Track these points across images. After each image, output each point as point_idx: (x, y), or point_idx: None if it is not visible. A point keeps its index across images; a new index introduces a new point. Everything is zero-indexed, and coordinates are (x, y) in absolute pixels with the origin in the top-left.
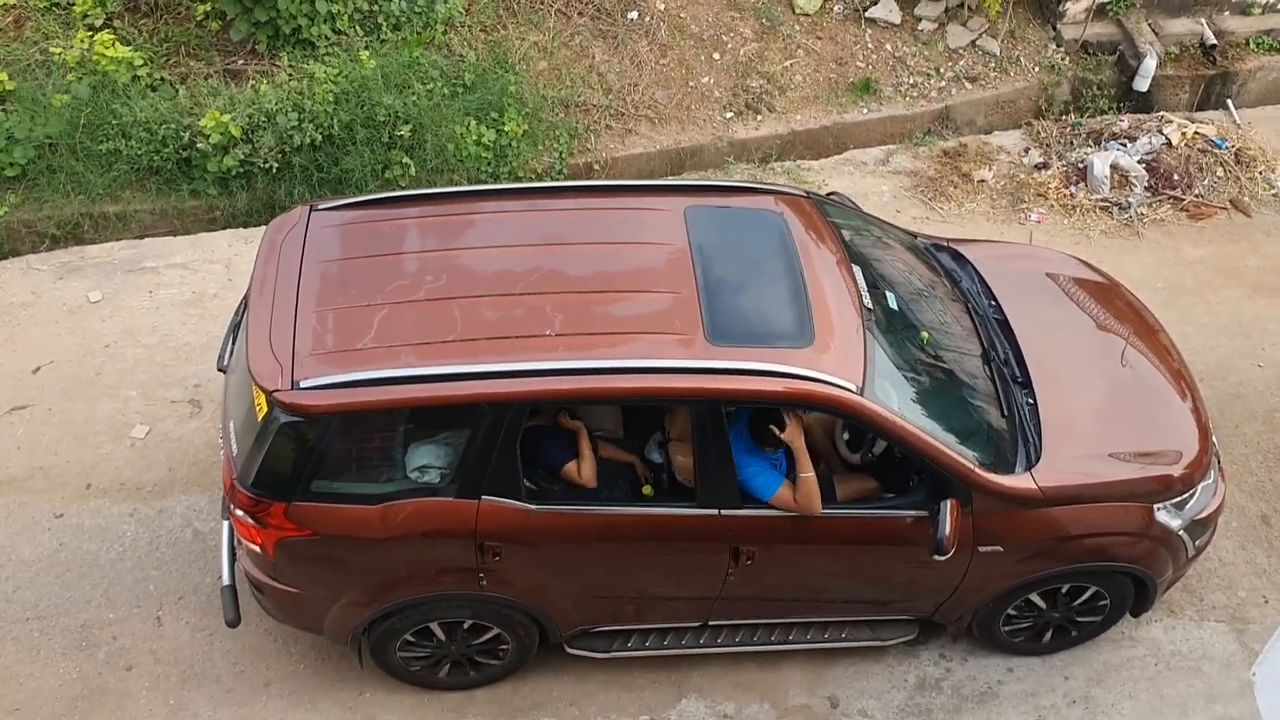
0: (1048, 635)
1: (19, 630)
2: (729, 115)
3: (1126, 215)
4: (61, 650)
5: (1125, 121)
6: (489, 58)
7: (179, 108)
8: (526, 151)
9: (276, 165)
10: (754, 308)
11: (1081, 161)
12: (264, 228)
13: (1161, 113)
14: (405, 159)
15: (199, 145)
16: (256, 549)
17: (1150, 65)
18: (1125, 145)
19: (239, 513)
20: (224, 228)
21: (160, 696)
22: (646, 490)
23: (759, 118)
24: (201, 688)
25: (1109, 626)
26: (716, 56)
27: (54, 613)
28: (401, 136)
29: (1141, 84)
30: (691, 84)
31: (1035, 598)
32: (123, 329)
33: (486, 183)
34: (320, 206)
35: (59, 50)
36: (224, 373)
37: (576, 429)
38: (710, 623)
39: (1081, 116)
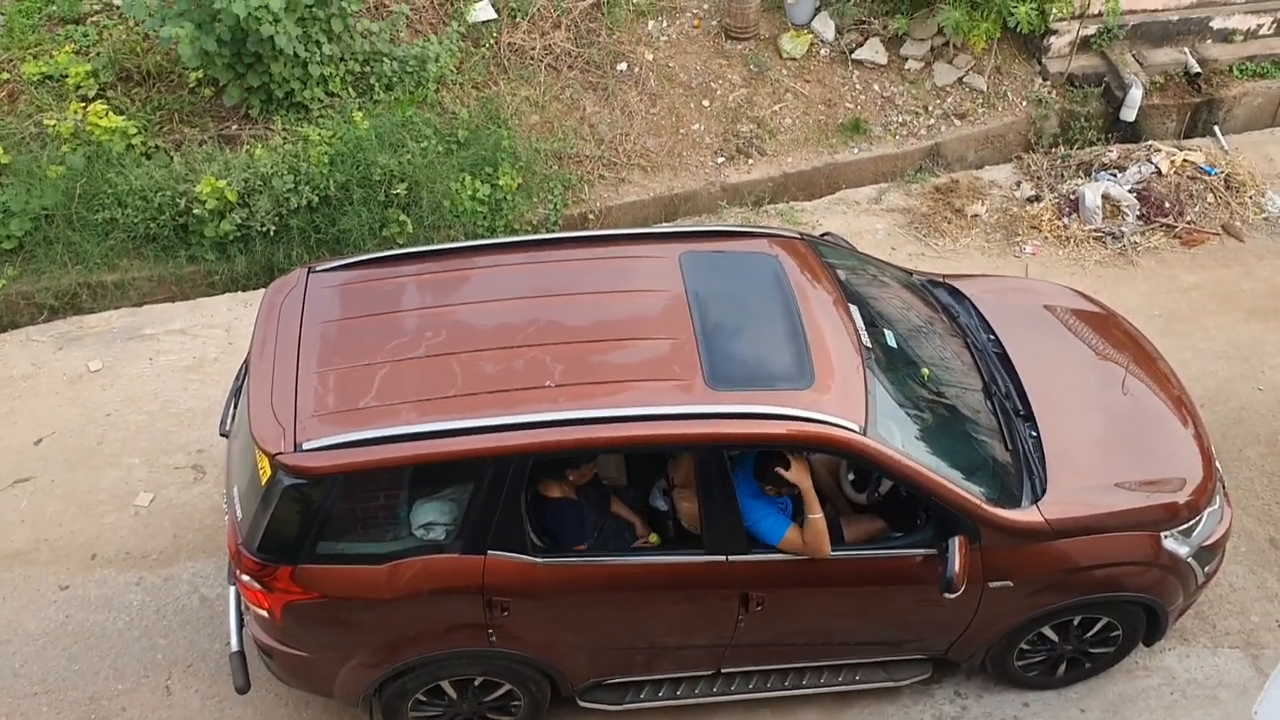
0: (1062, 668)
1: (27, 705)
2: (720, 160)
3: (1120, 244)
4: None
5: (1114, 152)
6: (481, 114)
7: (174, 174)
8: (521, 204)
9: (274, 228)
10: (753, 351)
11: (1073, 193)
12: (263, 290)
13: (1150, 142)
14: (402, 217)
15: (195, 211)
16: (264, 614)
17: (1136, 95)
18: (1115, 175)
19: (245, 578)
20: (223, 292)
21: None
22: (653, 539)
23: (750, 161)
24: None
25: (1122, 657)
26: (706, 103)
27: (62, 686)
28: (398, 195)
29: (1128, 114)
30: (682, 131)
31: (1048, 631)
32: (124, 397)
33: (483, 237)
34: (318, 268)
35: (53, 122)
36: (226, 437)
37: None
38: (723, 670)
39: (1071, 148)
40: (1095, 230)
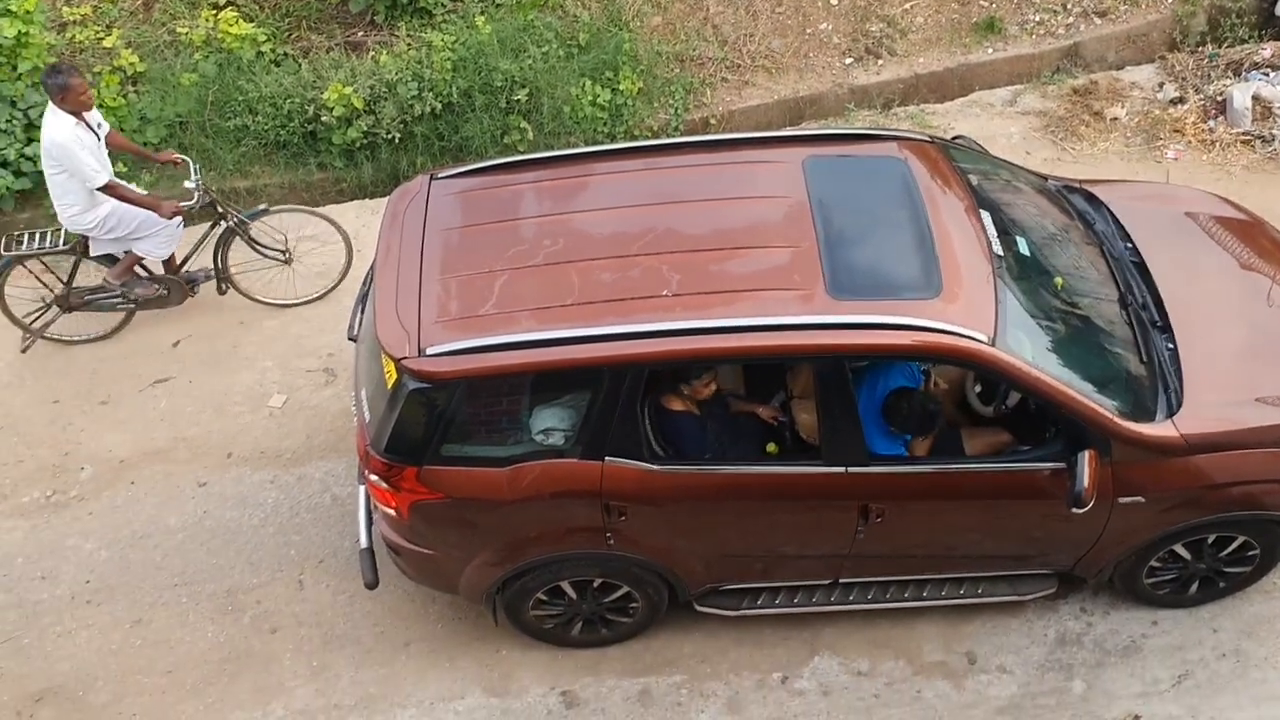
0: (1194, 587)
1: (168, 596)
2: (848, 61)
3: (1271, 148)
4: (209, 615)
5: (1268, 50)
6: (602, 16)
7: (302, 82)
8: (642, 109)
9: (399, 135)
10: (877, 259)
11: (1220, 94)
12: (388, 198)
13: None
14: (523, 124)
15: (323, 118)
16: (391, 513)
17: None
18: (1268, 75)
19: (373, 478)
20: (351, 199)
21: (304, 658)
22: (771, 448)
23: (880, 62)
24: (343, 649)
25: (1260, 577)
26: (834, 1)
27: (201, 579)
28: (519, 101)
29: None
30: (809, 31)
31: (1180, 549)
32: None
33: (603, 143)
34: (440, 175)
35: (185, 30)
36: (354, 342)
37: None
38: (841, 580)
39: (1219, 46)
40: (1244, 133)
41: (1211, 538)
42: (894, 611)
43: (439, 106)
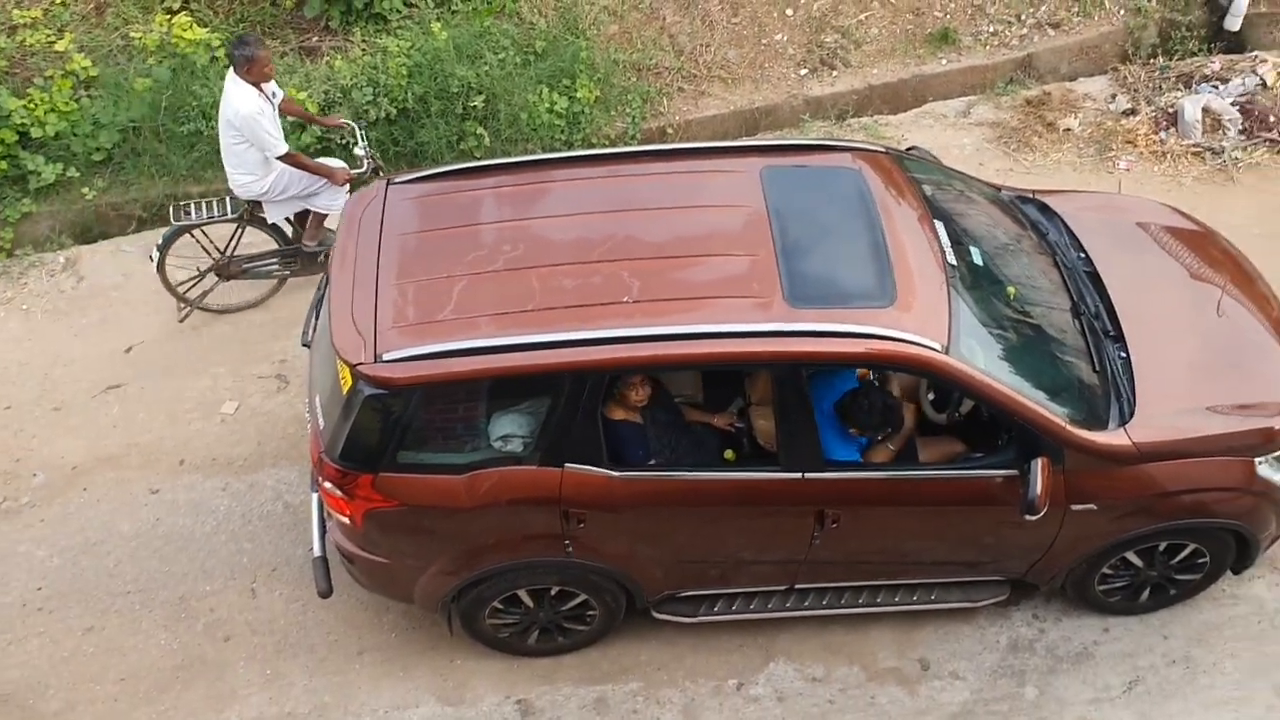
0: (1145, 594)
1: (121, 604)
2: (803, 72)
3: (1220, 160)
4: (162, 622)
5: (1217, 63)
6: (559, 24)
7: None
8: (600, 117)
9: (352, 141)
10: (834, 268)
11: (1171, 106)
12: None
13: (1255, 52)
14: (479, 130)
15: None
16: (346, 520)
17: (1242, 3)
18: (1217, 87)
19: (328, 485)
20: None
21: (257, 666)
22: (729, 455)
23: (834, 73)
24: (297, 657)
25: (1209, 584)
26: (789, 13)
27: (153, 586)
28: (475, 107)
29: (1233, 23)
30: (764, 42)
31: (1131, 556)
32: None
33: (560, 150)
34: (397, 180)
35: (139, 34)
36: (309, 348)
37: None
38: (797, 586)
39: (1170, 59)
40: (1194, 145)
41: (1162, 545)
42: (848, 617)
43: (394, 112)
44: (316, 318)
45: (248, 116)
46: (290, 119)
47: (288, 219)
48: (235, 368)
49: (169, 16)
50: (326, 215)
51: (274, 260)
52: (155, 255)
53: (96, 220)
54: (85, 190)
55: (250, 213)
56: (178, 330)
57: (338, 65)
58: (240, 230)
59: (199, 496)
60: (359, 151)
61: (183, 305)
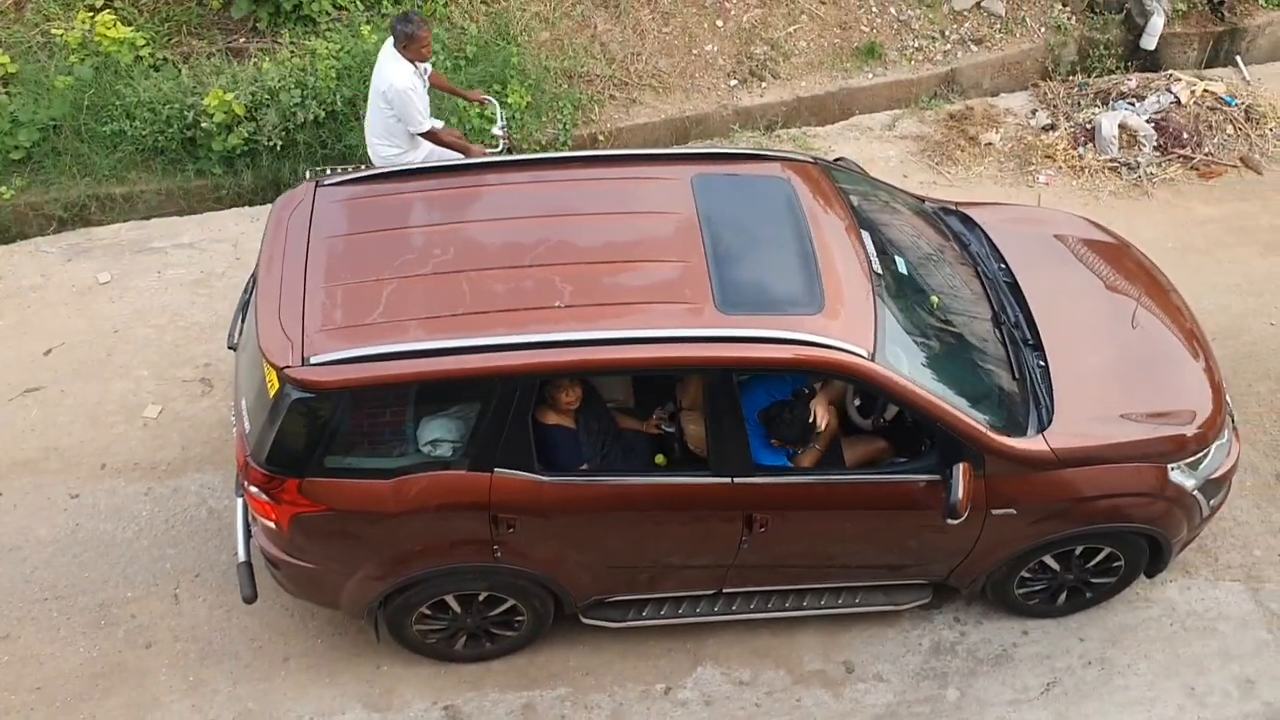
0: (1062, 597)
1: (38, 610)
2: (733, 83)
3: (1136, 175)
4: (81, 629)
5: (1133, 81)
6: (490, 30)
7: (182, 87)
8: (531, 123)
9: (281, 143)
10: (763, 275)
11: (1089, 122)
12: (270, 205)
13: (1170, 71)
14: None
15: (203, 124)
16: (271, 525)
17: (1158, 23)
18: (1133, 105)
19: (253, 489)
20: (230, 206)
21: (180, 673)
22: (659, 460)
23: (764, 85)
24: (220, 664)
25: (1124, 587)
26: (720, 24)
27: (72, 592)
28: None
29: (1149, 42)
30: (695, 52)
31: (1049, 560)
32: (132, 309)
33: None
34: (326, 182)
35: (61, 31)
36: (234, 351)
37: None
38: (725, 590)
39: (1089, 76)
40: (1111, 160)
41: (1079, 549)
42: (775, 621)
43: (322, 114)
44: (243, 320)
45: (401, 91)
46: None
47: None
48: (158, 371)
49: (92, 14)
50: None
51: None
52: None
53: (14, 220)
54: (3, 189)
55: None
56: (99, 332)
57: (265, 67)
58: None
59: (120, 501)
60: (497, 131)
61: None
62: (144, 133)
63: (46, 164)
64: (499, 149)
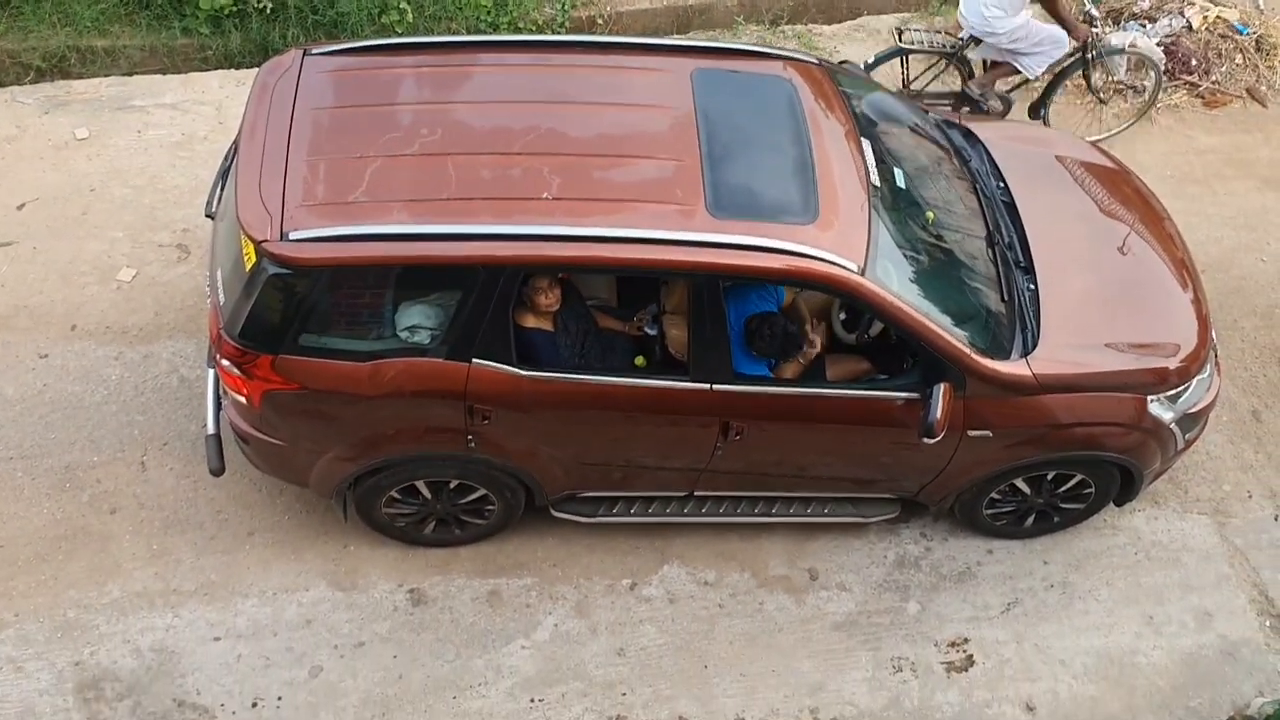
0: (1030, 520)
1: (3, 469)
2: None
3: (1141, 99)
4: (45, 491)
5: (1146, 2)
6: None
7: None
8: (528, 1)
9: (270, 5)
10: (758, 180)
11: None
12: (256, 70)
13: None
14: (402, 4)
15: None
16: (242, 400)
17: None
18: (1145, 26)
19: (225, 363)
20: (216, 68)
21: (143, 540)
22: (639, 361)
23: None
24: (185, 534)
25: (1092, 514)
26: None
27: (38, 453)
28: None
29: None
30: None
31: (1020, 483)
32: (110, 168)
33: (486, 33)
34: (314, 51)
35: None
36: (212, 219)
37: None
38: (696, 493)
39: None
40: (1119, 82)
41: (1051, 474)
42: (743, 526)
43: None
44: (222, 188)
45: None
46: None
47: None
48: (135, 234)
49: None
50: (1018, 74)
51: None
52: (866, 64)
53: None
54: None
55: (961, 52)
56: (76, 190)
57: None
58: (945, 66)
59: (90, 364)
60: (1094, 12)
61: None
62: None
63: (26, 9)
64: (1097, 31)
